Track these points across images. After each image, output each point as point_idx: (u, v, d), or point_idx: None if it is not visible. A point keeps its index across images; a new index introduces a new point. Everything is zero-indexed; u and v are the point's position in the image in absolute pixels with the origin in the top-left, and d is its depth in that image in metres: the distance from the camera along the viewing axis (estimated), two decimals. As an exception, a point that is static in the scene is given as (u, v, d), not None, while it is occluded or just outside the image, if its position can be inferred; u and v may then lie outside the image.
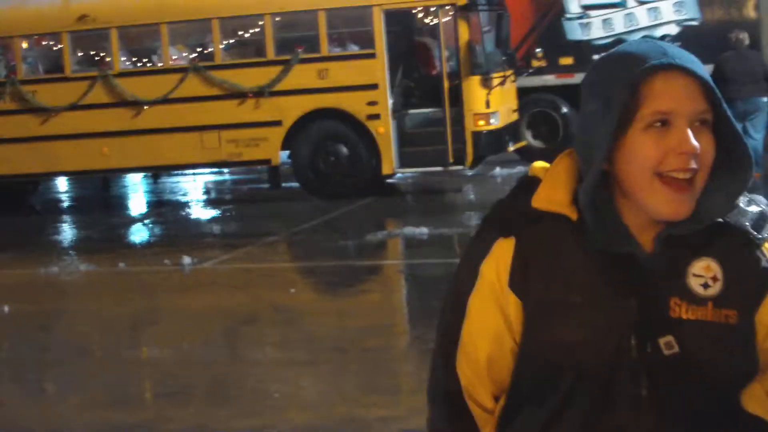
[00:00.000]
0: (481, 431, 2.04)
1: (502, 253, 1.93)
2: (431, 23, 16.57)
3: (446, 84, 15.26)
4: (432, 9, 15.62)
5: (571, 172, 1.93)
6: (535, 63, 17.07)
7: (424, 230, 11.94)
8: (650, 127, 1.81)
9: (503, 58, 15.98)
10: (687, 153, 1.79)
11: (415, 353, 7.65)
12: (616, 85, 1.82)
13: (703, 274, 1.88)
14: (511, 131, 16.38)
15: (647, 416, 1.87)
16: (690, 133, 1.80)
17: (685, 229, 1.86)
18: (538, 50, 17.06)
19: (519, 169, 16.90)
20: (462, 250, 2.00)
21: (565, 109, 17.33)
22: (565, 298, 1.89)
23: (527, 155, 17.20)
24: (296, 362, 7.54)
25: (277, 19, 15.70)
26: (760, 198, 1.96)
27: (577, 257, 1.89)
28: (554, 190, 1.93)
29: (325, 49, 15.44)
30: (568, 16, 17.12)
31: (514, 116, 16.43)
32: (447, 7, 15.20)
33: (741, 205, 1.92)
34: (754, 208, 1.93)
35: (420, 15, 16.76)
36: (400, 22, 15.64)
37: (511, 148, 16.63)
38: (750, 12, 16.46)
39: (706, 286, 1.88)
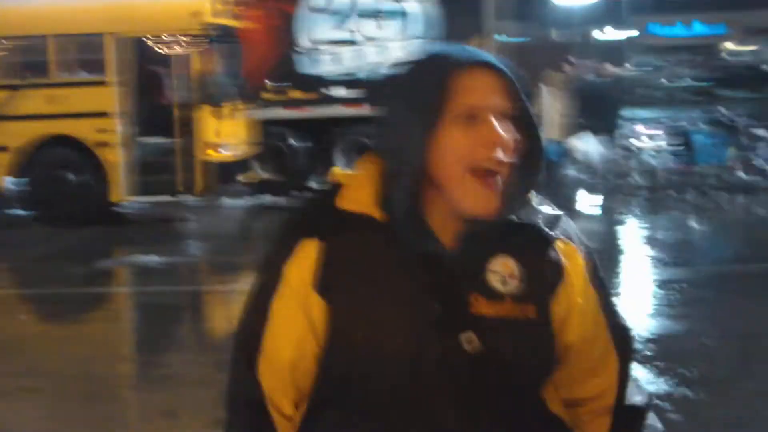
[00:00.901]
0: None
1: (306, 255, 1.92)
2: (166, 52, 16.48)
3: (178, 113, 15.19)
4: (166, 38, 15.56)
5: (374, 174, 1.94)
6: (266, 96, 17.16)
7: (153, 258, 11.89)
8: (459, 122, 1.85)
9: (235, 89, 16.10)
10: (495, 143, 1.85)
11: (143, 380, 7.69)
12: (425, 83, 1.86)
13: (501, 270, 1.92)
14: (241, 162, 16.52)
15: (454, 415, 1.88)
16: (497, 124, 1.86)
17: (486, 226, 1.90)
18: (269, 83, 17.15)
19: (248, 200, 17.13)
20: (263, 253, 2.02)
21: (293, 142, 17.45)
22: (369, 299, 1.89)
23: (256, 187, 17.44)
24: (21, 390, 7.38)
25: (6, 43, 15.31)
26: (551, 204, 2.04)
27: (382, 257, 1.90)
28: (359, 191, 1.94)
29: (54, 74, 15.14)
30: (298, 50, 17.31)
31: (245, 147, 16.53)
32: (181, 37, 15.21)
33: (535, 204, 1.99)
34: (546, 208, 2.01)
35: (154, 43, 16.68)
36: (134, 50, 15.50)
37: (241, 178, 16.79)
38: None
39: (504, 282, 1.91)
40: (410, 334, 1.87)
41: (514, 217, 1.95)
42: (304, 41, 17.35)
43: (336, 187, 1.97)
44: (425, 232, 1.91)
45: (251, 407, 1.99)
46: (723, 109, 16.96)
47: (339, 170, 2.03)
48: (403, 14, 17.29)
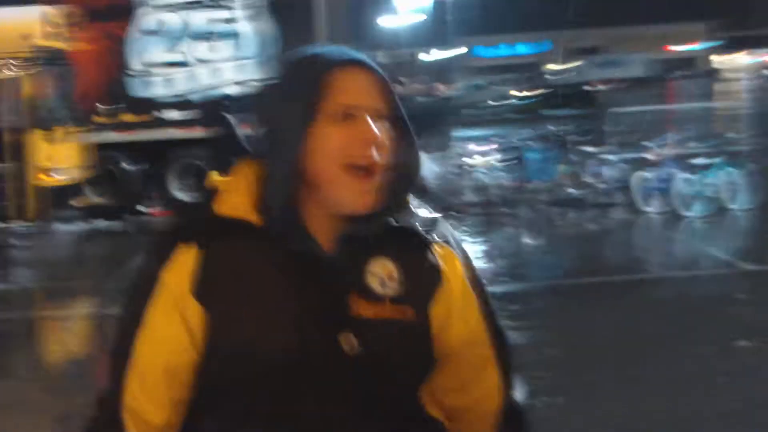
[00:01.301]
0: None
1: (184, 260, 1.88)
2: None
3: (8, 137, 14.85)
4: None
5: (251, 179, 1.93)
6: (98, 119, 16.85)
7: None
8: (335, 121, 1.86)
9: (67, 112, 15.80)
10: (369, 141, 1.86)
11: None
12: (302, 83, 1.87)
13: (380, 272, 1.92)
14: (73, 186, 16.22)
15: (335, 418, 1.87)
16: (371, 123, 1.87)
17: (364, 229, 1.92)
18: (101, 106, 16.86)
19: (81, 225, 16.79)
20: (140, 260, 1.97)
21: (126, 166, 17.24)
22: (247, 304, 1.87)
23: (90, 212, 17.13)
24: None
25: None
26: (429, 208, 2.04)
27: (260, 262, 1.89)
28: (237, 196, 1.92)
29: None
30: (130, 72, 17.13)
31: (77, 171, 16.23)
32: (11, 60, 14.83)
33: (413, 208, 2.00)
34: (424, 212, 2.02)
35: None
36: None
37: (74, 203, 16.48)
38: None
39: (383, 284, 1.92)
40: (289, 337, 1.85)
41: (392, 220, 1.95)
42: (135, 64, 17.21)
43: (213, 193, 1.95)
44: (302, 235, 1.91)
45: (106, 412, 1.94)
46: (552, 127, 17.48)
47: (216, 175, 2.00)
48: (235, 35, 17.29)
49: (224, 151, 14.80)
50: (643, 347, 7.75)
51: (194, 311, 1.88)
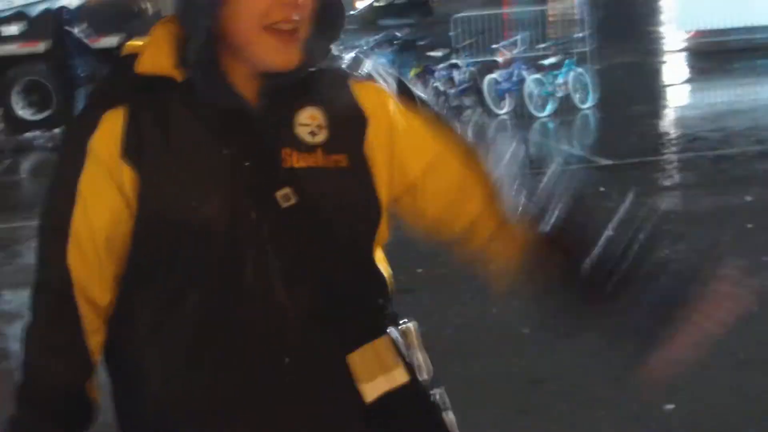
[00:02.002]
0: (91, 337, 1.88)
1: (111, 126, 1.83)
2: None
3: None
4: None
5: (169, 37, 1.88)
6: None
7: None
8: None
9: None
10: (290, 4, 1.80)
11: None
12: None
13: (309, 122, 1.88)
14: None
15: (277, 278, 1.83)
16: None
17: (286, 79, 1.87)
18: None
19: None
20: (63, 131, 1.90)
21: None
22: (177, 162, 1.83)
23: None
24: None
25: None
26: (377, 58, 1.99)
27: (187, 119, 1.84)
28: (157, 54, 1.86)
29: None
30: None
31: None
32: None
33: (335, 52, 1.95)
34: (348, 55, 1.98)
35: None
36: None
37: None
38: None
39: (313, 134, 1.88)
40: (224, 196, 1.82)
41: (315, 69, 1.91)
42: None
43: (132, 56, 1.89)
44: (226, 89, 1.86)
45: (56, 299, 1.87)
46: (398, 33, 17.46)
47: (132, 41, 1.95)
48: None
49: (67, 67, 14.38)
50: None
51: (126, 175, 1.83)
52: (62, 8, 15.15)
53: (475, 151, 2.02)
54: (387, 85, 1.98)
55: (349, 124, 1.91)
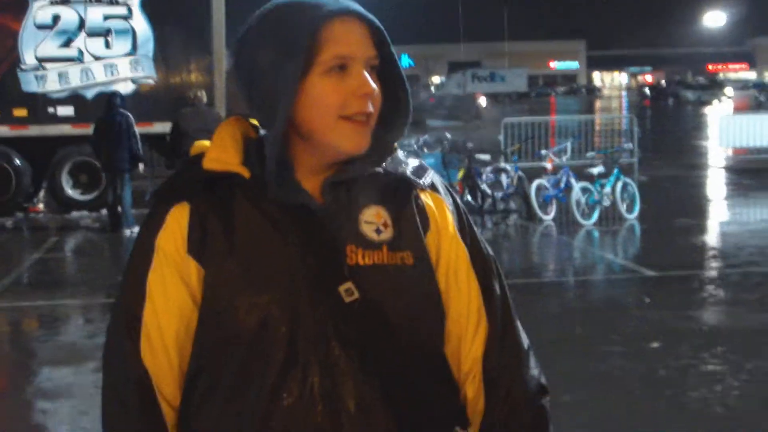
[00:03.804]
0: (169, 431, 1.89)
1: (177, 221, 1.86)
2: None
3: None
4: None
5: (236, 134, 1.92)
6: (-11, 113, 16.36)
7: None
8: (330, 72, 1.83)
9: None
10: (367, 95, 1.84)
11: None
12: (296, 31, 1.81)
13: (374, 220, 1.90)
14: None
15: (342, 374, 1.82)
16: (367, 76, 1.85)
17: (351, 173, 1.90)
18: (-8, 100, 16.33)
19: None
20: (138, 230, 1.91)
21: (18, 162, 16.83)
22: (241, 257, 1.84)
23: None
24: None
25: None
26: (427, 159, 2.03)
27: (252, 214, 1.86)
28: (224, 151, 1.89)
29: None
30: (23, 67, 16.70)
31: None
32: None
33: (401, 157, 1.98)
34: (413, 161, 2.01)
35: None
36: None
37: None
38: (203, 74, 17.20)
39: (378, 231, 1.89)
40: (287, 292, 1.82)
41: (381, 169, 1.94)
42: (29, 58, 16.75)
43: (199, 155, 1.93)
44: (295, 186, 1.88)
45: (137, 389, 1.88)
46: (448, 134, 17.58)
47: (199, 142, 1.99)
48: (132, 33, 17.00)
49: (114, 151, 14.54)
50: (556, 348, 7.83)
51: (193, 270, 1.86)
52: (115, 93, 15.38)
53: (495, 295, 2.02)
54: (448, 200, 2.02)
55: (413, 225, 1.93)
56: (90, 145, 15.07)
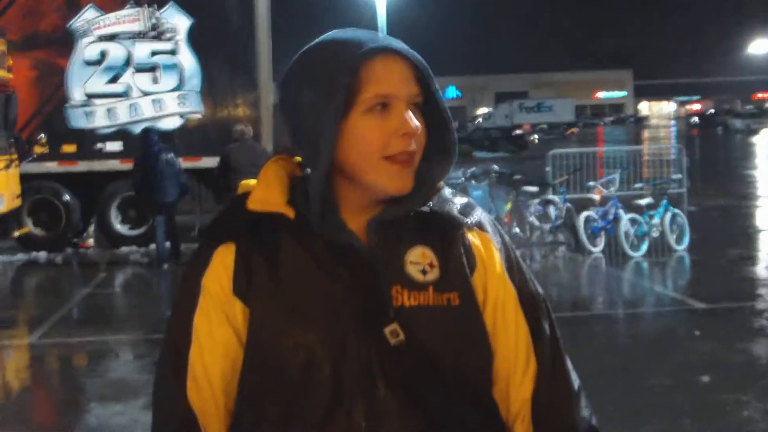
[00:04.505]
0: None
1: (222, 262, 1.86)
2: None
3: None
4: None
5: (281, 174, 1.92)
6: (38, 149, 16.42)
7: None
8: (372, 111, 1.81)
9: (9, 141, 15.52)
10: (409, 134, 1.82)
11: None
12: (336, 70, 1.79)
13: (420, 261, 1.87)
14: (13, 217, 15.97)
15: (389, 416, 1.80)
16: (410, 114, 1.83)
17: (396, 212, 1.89)
18: (41, 136, 16.43)
19: (20, 256, 16.52)
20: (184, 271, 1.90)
21: (67, 197, 17.03)
22: (286, 297, 1.83)
23: (29, 243, 16.87)
24: None
25: None
26: (471, 193, 2.01)
27: (297, 254, 1.84)
28: (269, 191, 1.89)
29: None
30: (71, 103, 16.91)
31: (17, 202, 15.94)
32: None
33: (447, 195, 1.97)
34: (459, 199, 1.98)
35: None
36: None
37: (15, 234, 16.23)
38: (249, 109, 17.31)
39: (424, 272, 1.87)
40: (333, 332, 1.81)
41: (426, 208, 1.92)
42: (77, 94, 16.96)
43: (246, 194, 1.93)
44: (340, 226, 1.87)
45: (185, 427, 1.88)
46: (496, 166, 17.51)
47: (246, 181, 1.99)
48: (179, 68, 17.15)
49: (154, 188, 14.62)
50: (603, 381, 7.74)
51: (239, 310, 1.85)
52: (149, 128, 15.46)
53: (544, 336, 1.99)
54: (496, 240, 1.98)
55: (460, 265, 1.90)
56: (134, 183, 15.13)
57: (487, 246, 1.95)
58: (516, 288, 1.97)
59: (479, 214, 1.99)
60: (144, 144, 14.80)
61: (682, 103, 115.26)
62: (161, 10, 17.09)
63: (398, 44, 1.85)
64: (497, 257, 1.96)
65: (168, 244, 14.96)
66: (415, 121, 1.83)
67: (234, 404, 1.89)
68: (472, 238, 1.95)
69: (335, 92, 1.79)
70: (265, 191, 1.90)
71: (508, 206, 15.75)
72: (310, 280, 1.84)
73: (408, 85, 1.84)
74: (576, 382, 2.01)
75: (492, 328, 1.93)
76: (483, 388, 1.93)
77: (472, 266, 1.92)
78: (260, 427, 1.85)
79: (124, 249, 16.99)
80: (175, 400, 1.89)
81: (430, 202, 1.94)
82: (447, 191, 1.98)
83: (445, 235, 1.92)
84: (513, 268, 1.98)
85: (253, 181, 1.95)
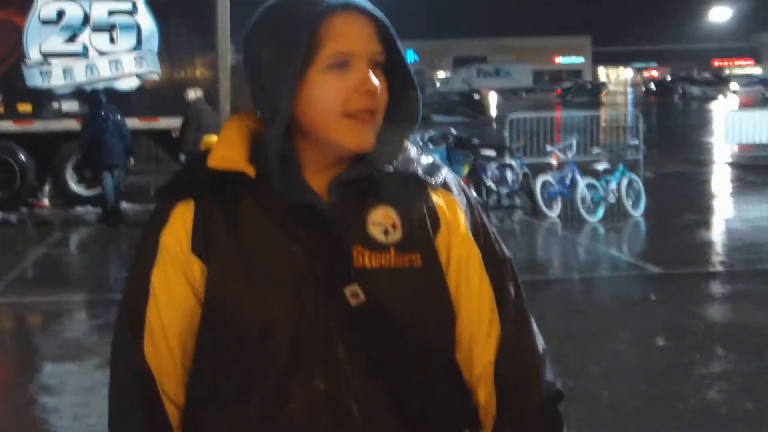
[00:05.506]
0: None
1: (181, 219, 1.84)
2: None
3: None
4: None
5: (244, 132, 1.89)
6: (-7, 108, 16.30)
7: None
8: (331, 68, 1.79)
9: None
10: (369, 92, 1.79)
11: None
12: (296, 27, 1.76)
13: (382, 221, 1.85)
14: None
15: (348, 379, 1.79)
16: (370, 72, 1.80)
17: (358, 172, 1.86)
18: (-3, 95, 16.30)
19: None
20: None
21: (22, 157, 16.84)
22: (245, 257, 1.80)
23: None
24: None
25: None
26: (434, 155, 1.96)
27: (256, 213, 1.82)
28: (229, 149, 1.86)
29: None
30: (28, 62, 16.68)
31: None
32: None
33: (412, 155, 1.93)
34: (425, 158, 1.94)
35: None
36: None
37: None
38: (207, 70, 17.17)
39: (386, 233, 1.84)
40: (292, 293, 1.79)
41: (390, 168, 1.88)
42: (34, 53, 16.73)
43: (206, 151, 1.89)
44: (302, 186, 1.85)
45: (140, 384, 1.85)
46: (453, 129, 17.51)
47: (209, 137, 1.95)
48: (137, 28, 16.97)
49: (103, 146, 14.52)
50: (560, 344, 7.81)
51: (197, 268, 1.83)
52: (97, 89, 15.33)
53: (509, 297, 1.96)
54: (461, 199, 1.95)
55: (423, 225, 1.87)
56: (82, 143, 14.99)
57: (451, 207, 1.92)
58: (481, 249, 1.93)
59: (444, 174, 1.95)
60: (91, 105, 14.68)
61: (639, 70, 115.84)
62: (119, -31, 16.89)
63: (360, 0, 1.81)
64: (462, 218, 1.92)
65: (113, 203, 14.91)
66: (375, 80, 1.80)
67: (192, 363, 1.87)
68: (437, 198, 1.91)
69: (294, 49, 1.76)
70: (226, 148, 1.86)
71: (465, 170, 15.75)
72: (269, 241, 1.81)
73: (369, 43, 1.80)
74: (541, 345, 1.98)
75: (455, 289, 1.90)
76: (445, 350, 1.90)
77: (436, 227, 1.89)
78: (218, 390, 1.83)
79: (80, 209, 16.87)
80: (132, 357, 1.85)
81: (394, 162, 1.90)
82: (413, 151, 1.94)
83: (409, 195, 1.88)
84: (478, 229, 1.95)
85: (215, 138, 1.92)
